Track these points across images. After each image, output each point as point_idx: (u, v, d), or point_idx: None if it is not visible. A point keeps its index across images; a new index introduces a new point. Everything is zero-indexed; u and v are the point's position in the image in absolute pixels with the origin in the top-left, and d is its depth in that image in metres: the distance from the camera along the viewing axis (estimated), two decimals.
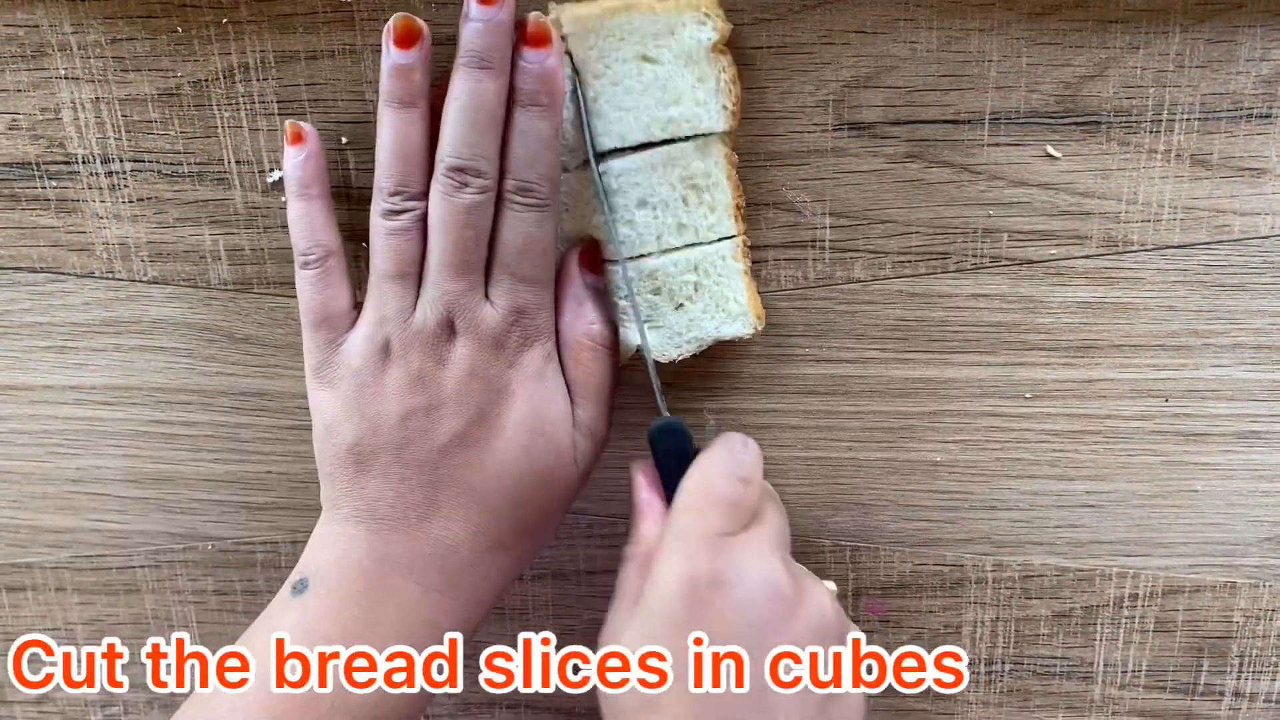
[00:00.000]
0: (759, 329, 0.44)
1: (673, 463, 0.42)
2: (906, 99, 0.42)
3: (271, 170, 0.45)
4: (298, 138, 0.42)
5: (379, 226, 0.41)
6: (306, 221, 0.42)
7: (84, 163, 0.46)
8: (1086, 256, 0.44)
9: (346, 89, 0.44)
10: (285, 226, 0.46)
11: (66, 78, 0.45)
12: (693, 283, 0.43)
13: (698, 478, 0.40)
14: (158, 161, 0.45)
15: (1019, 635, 0.49)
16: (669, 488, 0.41)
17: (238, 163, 0.45)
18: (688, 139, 0.41)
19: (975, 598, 0.49)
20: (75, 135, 0.45)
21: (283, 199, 0.46)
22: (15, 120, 0.45)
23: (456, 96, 0.39)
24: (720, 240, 0.43)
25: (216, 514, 0.50)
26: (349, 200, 0.45)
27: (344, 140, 0.45)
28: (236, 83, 0.44)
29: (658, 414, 0.43)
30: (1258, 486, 0.46)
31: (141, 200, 0.46)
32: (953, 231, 0.44)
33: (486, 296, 0.41)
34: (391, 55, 0.40)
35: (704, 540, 0.38)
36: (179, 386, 0.48)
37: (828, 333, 0.46)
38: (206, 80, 0.44)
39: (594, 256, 0.44)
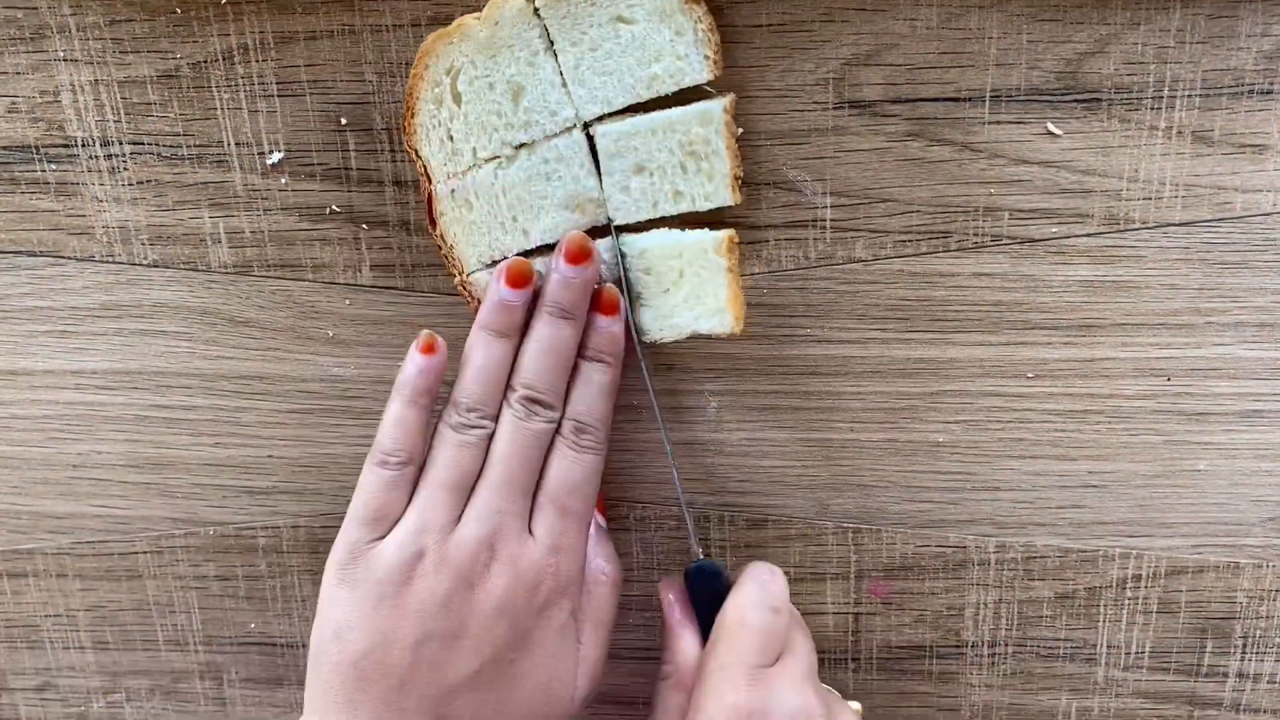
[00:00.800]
0: (736, 331, 0.44)
1: (707, 597, 0.44)
2: (907, 77, 0.42)
3: (271, 152, 0.45)
4: (430, 349, 0.43)
5: (448, 437, 0.42)
6: (404, 428, 0.42)
7: (83, 146, 0.46)
8: (1088, 235, 0.44)
9: (346, 70, 0.44)
10: (285, 209, 0.46)
11: (65, 60, 0.44)
12: (677, 269, 0.43)
13: (734, 611, 0.42)
14: (157, 144, 0.45)
15: (1022, 617, 0.49)
16: (698, 608, 0.45)
17: (237, 145, 0.45)
18: (689, 104, 0.42)
19: (978, 579, 0.49)
20: (74, 118, 0.45)
21: (283, 180, 0.46)
22: (14, 103, 0.45)
23: (538, 339, 0.42)
24: (710, 225, 0.43)
25: (218, 499, 0.50)
26: (349, 182, 0.45)
27: (343, 121, 0.45)
28: (236, 64, 0.44)
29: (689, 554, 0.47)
30: (1261, 466, 0.46)
31: (141, 183, 0.46)
32: (954, 210, 0.44)
33: (530, 531, 0.42)
34: (501, 291, 0.42)
35: (744, 671, 0.41)
36: (179, 370, 0.48)
37: (829, 313, 0.46)
38: (206, 62, 0.44)
39: (600, 501, 0.47)
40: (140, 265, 0.47)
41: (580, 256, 0.42)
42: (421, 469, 0.42)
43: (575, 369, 0.43)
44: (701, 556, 0.45)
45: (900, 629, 0.50)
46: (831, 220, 0.44)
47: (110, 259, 0.47)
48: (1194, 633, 0.49)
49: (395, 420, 0.42)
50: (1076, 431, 0.46)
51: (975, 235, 0.44)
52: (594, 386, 0.43)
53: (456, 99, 0.42)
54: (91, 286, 0.48)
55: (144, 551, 0.52)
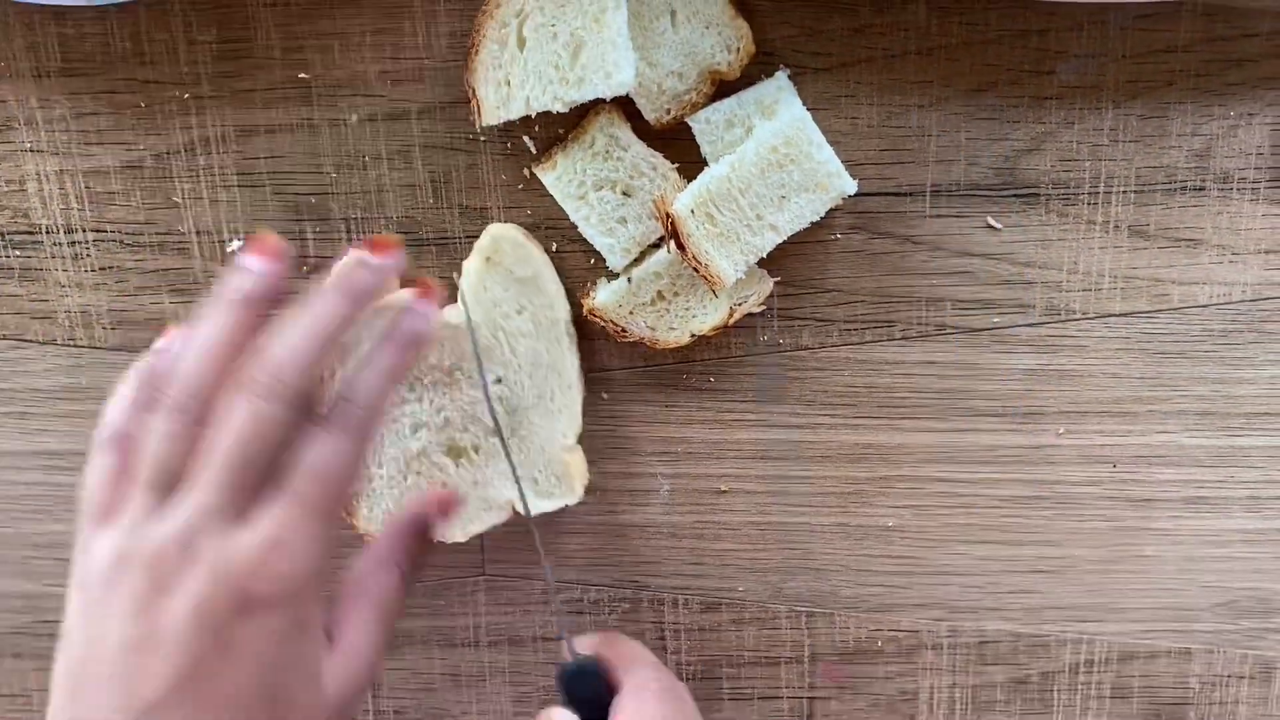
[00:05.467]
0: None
1: (587, 699, 0.40)
2: (849, 172, 0.43)
3: (231, 240, 0.46)
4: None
5: (157, 424, 0.36)
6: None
7: (48, 233, 0.47)
8: (1030, 325, 0.45)
9: (305, 162, 0.45)
10: None
11: (32, 150, 0.46)
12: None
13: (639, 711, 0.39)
14: (120, 232, 0.46)
15: (976, 702, 0.49)
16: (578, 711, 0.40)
17: (198, 233, 0.46)
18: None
19: (931, 664, 0.49)
20: (39, 206, 0.46)
21: None
22: None
23: (316, 314, 0.37)
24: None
25: None
26: (305, 269, 0.46)
27: (302, 212, 0.46)
28: (197, 155, 0.45)
29: (562, 656, 0.42)
30: (1207, 552, 0.47)
31: (103, 269, 0.47)
32: (897, 300, 0.45)
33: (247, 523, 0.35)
34: (249, 263, 0.37)
35: None
36: None
37: (777, 399, 0.46)
38: (168, 153, 0.45)
39: (450, 507, 0.43)
40: (101, 348, 0.48)
41: (382, 247, 0.38)
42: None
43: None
44: (571, 652, 0.42)
45: (855, 714, 0.50)
46: (778, 309, 0.45)
47: (72, 343, 0.48)
48: (1148, 718, 0.49)
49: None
50: (1024, 517, 0.47)
51: (919, 324, 0.45)
52: (370, 367, 0.38)
53: (520, 43, 0.41)
54: (53, 369, 0.48)
55: None
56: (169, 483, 0.36)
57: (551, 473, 0.46)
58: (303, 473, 0.36)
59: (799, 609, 0.49)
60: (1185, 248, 0.44)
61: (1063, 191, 0.43)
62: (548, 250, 0.45)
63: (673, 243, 0.42)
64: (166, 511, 0.35)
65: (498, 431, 0.45)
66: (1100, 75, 0.42)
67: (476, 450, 0.46)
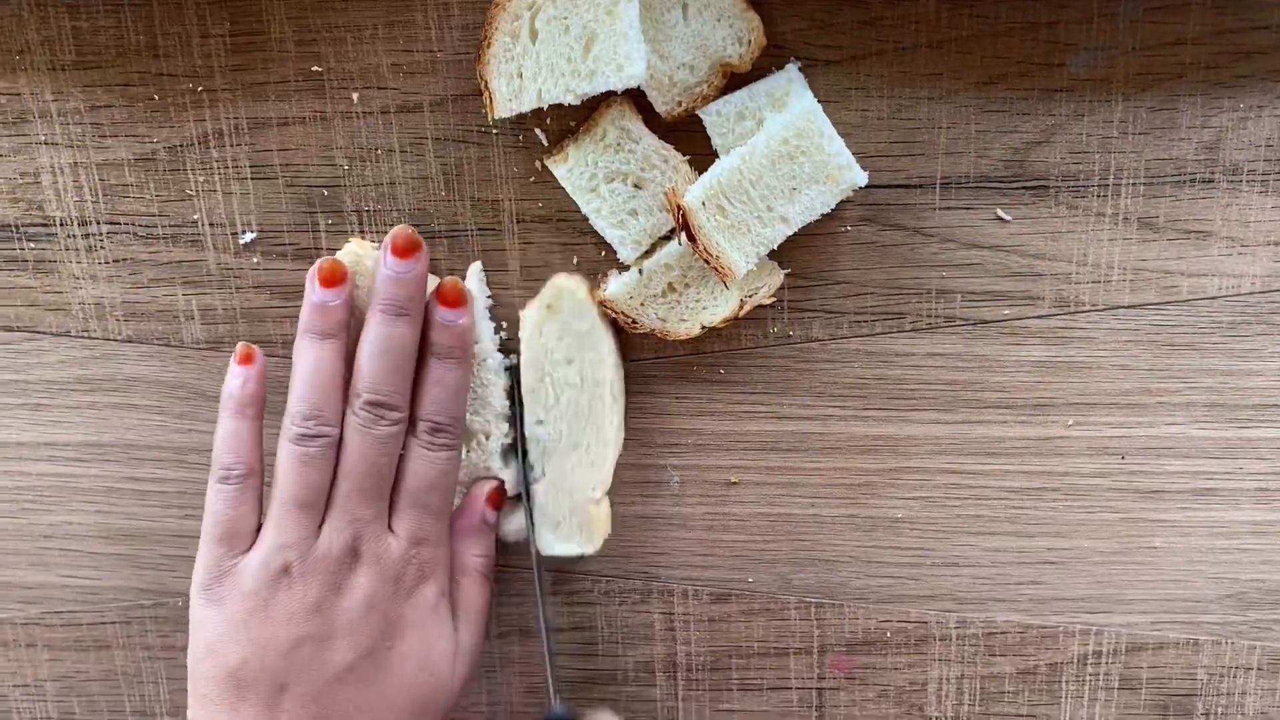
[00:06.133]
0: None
1: None
2: (860, 164, 0.43)
3: (244, 232, 0.46)
4: (247, 359, 0.43)
5: (291, 452, 0.42)
6: (236, 440, 0.43)
7: (61, 225, 0.47)
8: (1039, 317, 0.45)
9: (317, 154, 0.45)
10: (257, 287, 0.47)
11: (46, 143, 0.46)
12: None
13: None
14: (133, 224, 0.47)
15: (984, 693, 0.49)
16: None
17: (211, 225, 0.46)
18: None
19: (940, 655, 0.49)
20: (54, 199, 0.47)
21: (255, 259, 0.47)
22: None
23: (373, 339, 0.42)
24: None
25: (187, 570, 0.50)
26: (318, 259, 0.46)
27: (315, 204, 0.46)
28: (211, 148, 0.45)
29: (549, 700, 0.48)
30: (1216, 543, 0.47)
31: (117, 261, 0.47)
32: (907, 292, 0.45)
33: (390, 527, 0.43)
34: (317, 293, 0.43)
35: None
36: (151, 443, 0.49)
37: (787, 390, 0.46)
38: (181, 146, 0.46)
39: (498, 496, 0.47)
40: (115, 340, 0.48)
41: (408, 250, 0.42)
42: (263, 477, 0.43)
43: (424, 367, 0.43)
44: (557, 705, 0.46)
45: (864, 704, 0.50)
46: (789, 301, 0.45)
47: (85, 334, 0.48)
48: (1156, 709, 0.49)
49: (225, 435, 0.43)
50: (1033, 509, 0.47)
51: (929, 316, 0.45)
52: (444, 387, 0.43)
53: (533, 36, 0.42)
54: (66, 361, 0.48)
55: (113, 622, 0.52)
56: (317, 502, 0.42)
57: (575, 521, 0.47)
58: (424, 487, 0.43)
59: (808, 600, 0.49)
60: (1194, 240, 0.44)
61: (1072, 184, 0.44)
62: (560, 242, 0.46)
63: (684, 235, 0.42)
64: (326, 527, 0.42)
65: (525, 474, 0.47)
66: (1110, 68, 0.42)
67: (487, 436, 0.46)
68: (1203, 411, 0.45)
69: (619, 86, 0.41)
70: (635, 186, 0.44)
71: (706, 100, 0.43)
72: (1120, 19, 0.42)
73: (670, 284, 0.44)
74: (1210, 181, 0.43)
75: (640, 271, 0.44)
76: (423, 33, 0.44)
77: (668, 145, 0.43)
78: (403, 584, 0.43)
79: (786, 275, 0.45)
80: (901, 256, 0.45)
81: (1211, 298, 0.44)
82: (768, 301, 0.45)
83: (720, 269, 0.42)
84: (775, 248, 0.43)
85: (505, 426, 0.47)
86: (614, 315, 0.45)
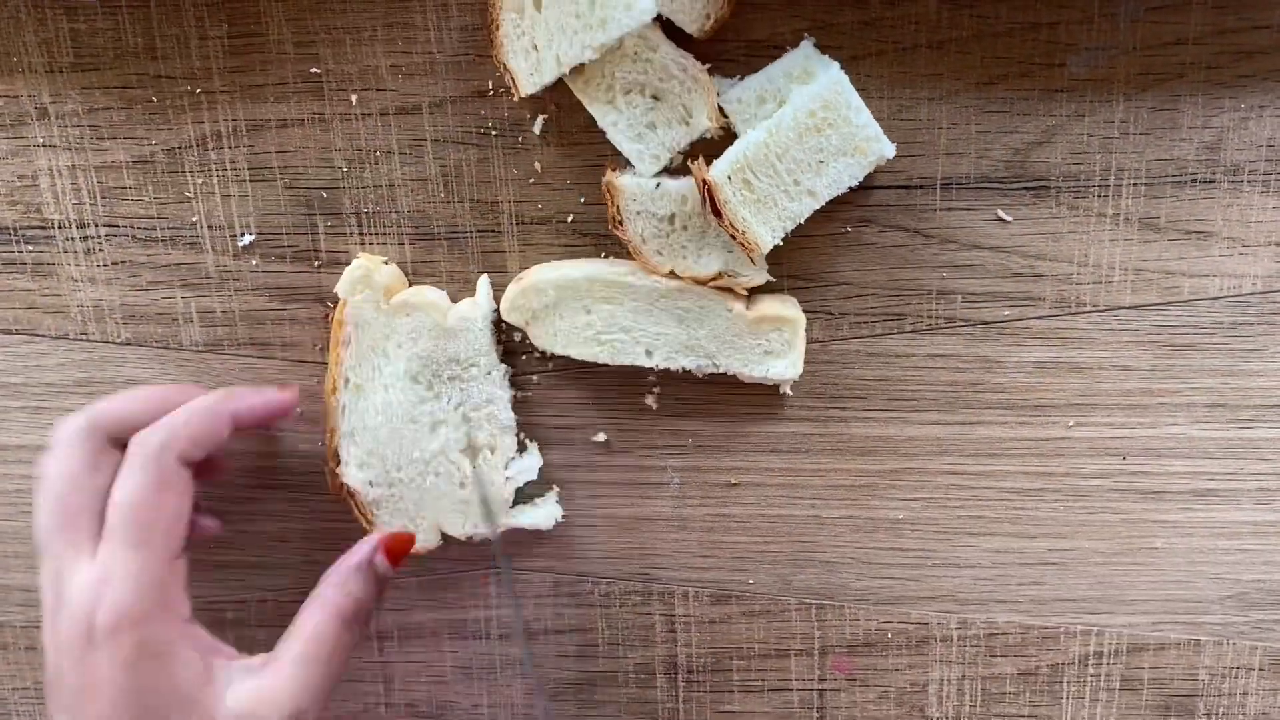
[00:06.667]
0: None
1: None
2: None
3: (243, 234, 0.46)
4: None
5: None
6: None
7: (60, 228, 0.47)
8: (1040, 317, 0.45)
9: (316, 156, 0.45)
10: (256, 289, 0.47)
11: (44, 145, 0.46)
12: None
13: None
14: (132, 226, 0.47)
15: (985, 694, 0.49)
16: None
17: (209, 227, 0.46)
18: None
19: (941, 656, 0.49)
20: (52, 201, 0.46)
21: (254, 262, 0.47)
22: None
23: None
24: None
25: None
26: (318, 264, 0.46)
27: (314, 206, 0.46)
28: (209, 150, 0.45)
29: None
30: (1217, 544, 0.47)
31: (115, 264, 0.47)
32: (908, 293, 0.45)
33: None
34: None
35: None
36: None
37: (788, 391, 0.46)
38: (180, 148, 0.45)
39: (401, 547, 0.44)
40: (113, 343, 0.48)
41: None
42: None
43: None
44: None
45: (865, 705, 0.50)
46: None
47: (84, 337, 0.48)
48: (1158, 710, 0.49)
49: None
50: (1034, 509, 0.47)
51: (929, 318, 0.45)
52: (173, 413, 0.41)
53: (537, 4, 0.41)
54: (65, 364, 0.48)
55: None
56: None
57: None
58: (110, 508, 0.40)
59: (809, 601, 0.49)
60: (1195, 240, 0.44)
61: (1073, 184, 0.43)
62: (559, 244, 0.45)
63: (709, 209, 0.42)
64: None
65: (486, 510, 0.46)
66: (1111, 68, 0.42)
67: (493, 450, 0.46)
68: (1204, 412, 0.45)
69: (633, 25, 0.40)
70: (653, 98, 0.42)
71: (730, 4, 0.41)
72: (1121, 19, 0.42)
73: (674, 215, 0.43)
74: (1211, 182, 0.43)
75: (658, 184, 0.43)
76: (421, 34, 0.43)
77: (686, 54, 0.42)
78: (93, 629, 0.38)
79: (786, 277, 0.45)
80: (902, 257, 0.44)
81: (1213, 298, 0.44)
82: (740, 291, 0.44)
83: (746, 243, 0.42)
84: (802, 221, 0.42)
85: (510, 440, 0.46)
86: (609, 204, 0.43)
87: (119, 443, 0.41)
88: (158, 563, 0.39)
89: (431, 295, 0.45)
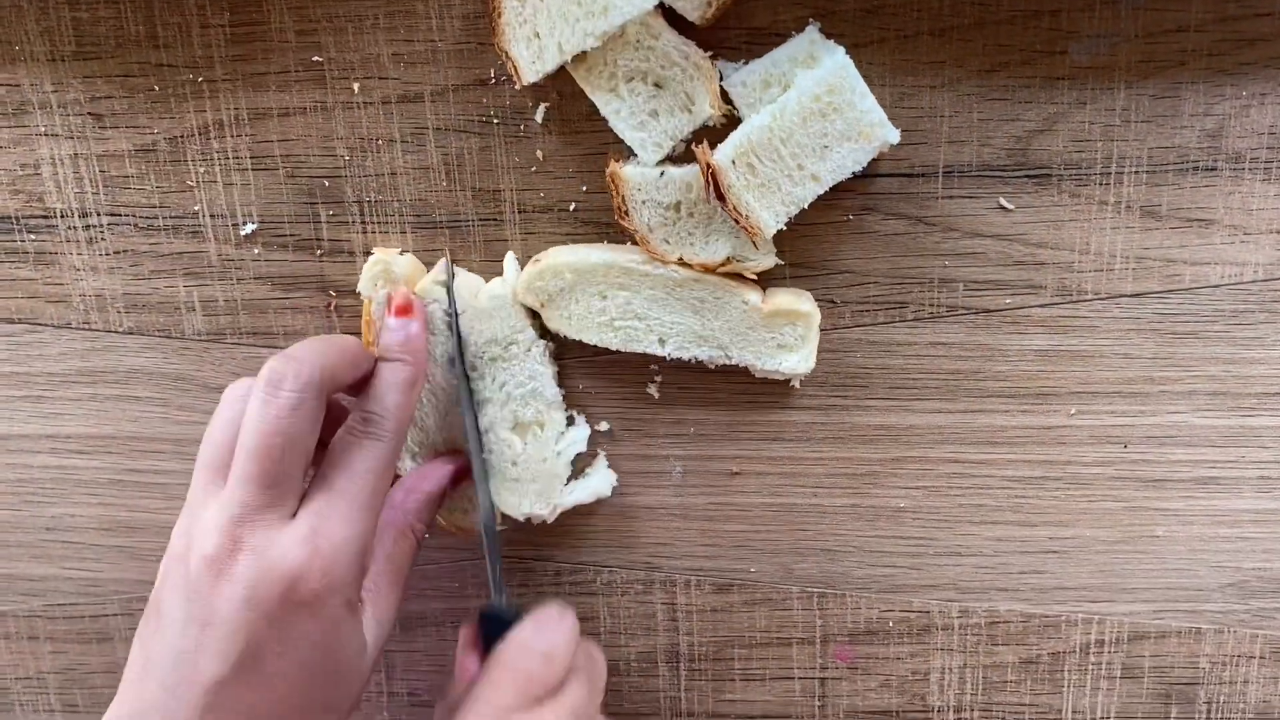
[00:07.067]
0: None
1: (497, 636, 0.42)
2: None
3: (245, 223, 0.46)
4: (405, 309, 0.44)
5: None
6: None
7: (62, 217, 0.47)
8: (1042, 305, 0.45)
9: (318, 145, 0.45)
10: (258, 278, 0.47)
11: (46, 134, 0.46)
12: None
13: (500, 651, 0.41)
14: (134, 215, 0.47)
15: (987, 682, 0.49)
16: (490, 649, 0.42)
17: (212, 216, 0.46)
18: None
19: (942, 644, 0.49)
20: (54, 190, 0.46)
21: (256, 250, 0.47)
22: None
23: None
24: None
25: None
26: (320, 252, 0.46)
27: (316, 195, 0.46)
28: (211, 139, 0.45)
29: (489, 594, 0.45)
30: (1218, 532, 0.47)
31: (118, 253, 0.47)
32: (910, 281, 0.45)
33: (293, 516, 0.39)
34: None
35: (493, 712, 0.39)
36: (153, 435, 0.49)
37: (790, 380, 0.46)
38: (182, 137, 0.45)
39: (465, 473, 0.46)
40: (116, 332, 0.48)
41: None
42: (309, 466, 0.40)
43: (375, 371, 0.42)
44: (501, 602, 0.44)
45: (866, 694, 0.50)
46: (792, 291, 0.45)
47: (86, 326, 0.48)
48: (1158, 698, 0.49)
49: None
50: (1036, 498, 0.47)
51: (931, 306, 0.45)
52: (383, 380, 0.42)
53: None
54: (68, 353, 0.48)
55: (115, 614, 0.52)
56: (219, 463, 0.39)
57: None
58: (338, 466, 0.39)
59: (811, 590, 0.49)
60: (1197, 228, 0.44)
61: (1075, 172, 0.44)
62: (561, 233, 0.45)
63: (713, 193, 0.42)
64: (212, 499, 0.38)
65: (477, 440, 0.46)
66: (1112, 55, 0.42)
67: (542, 427, 0.46)
68: (1205, 400, 0.45)
69: (635, 13, 0.40)
70: (656, 86, 0.42)
71: None
72: (1122, 6, 0.42)
73: (679, 202, 0.43)
74: (1213, 169, 0.43)
75: (662, 173, 0.43)
76: (423, 22, 0.44)
77: (688, 42, 0.42)
78: (295, 591, 0.38)
79: (790, 265, 0.45)
80: (904, 246, 0.45)
81: (1214, 286, 0.44)
82: (750, 275, 0.44)
83: (750, 228, 0.42)
84: (806, 206, 0.42)
85: (559, 415, 0.46)
86: (612, 195, 0.43)
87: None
88: (371, 530, 0.40)
89: (462, 278, 0.45)
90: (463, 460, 0.46)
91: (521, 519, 0.47)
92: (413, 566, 0.44)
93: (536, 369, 0.46)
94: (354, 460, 0.40)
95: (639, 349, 0.45)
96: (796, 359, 0.44)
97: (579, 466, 0.48)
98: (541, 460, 0.46)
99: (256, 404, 0.38)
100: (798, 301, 0.44)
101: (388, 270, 0.44)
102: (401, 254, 0.45)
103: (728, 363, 0.45)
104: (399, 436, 0.41)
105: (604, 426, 0.48)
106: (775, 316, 0.44)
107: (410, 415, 0.43)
